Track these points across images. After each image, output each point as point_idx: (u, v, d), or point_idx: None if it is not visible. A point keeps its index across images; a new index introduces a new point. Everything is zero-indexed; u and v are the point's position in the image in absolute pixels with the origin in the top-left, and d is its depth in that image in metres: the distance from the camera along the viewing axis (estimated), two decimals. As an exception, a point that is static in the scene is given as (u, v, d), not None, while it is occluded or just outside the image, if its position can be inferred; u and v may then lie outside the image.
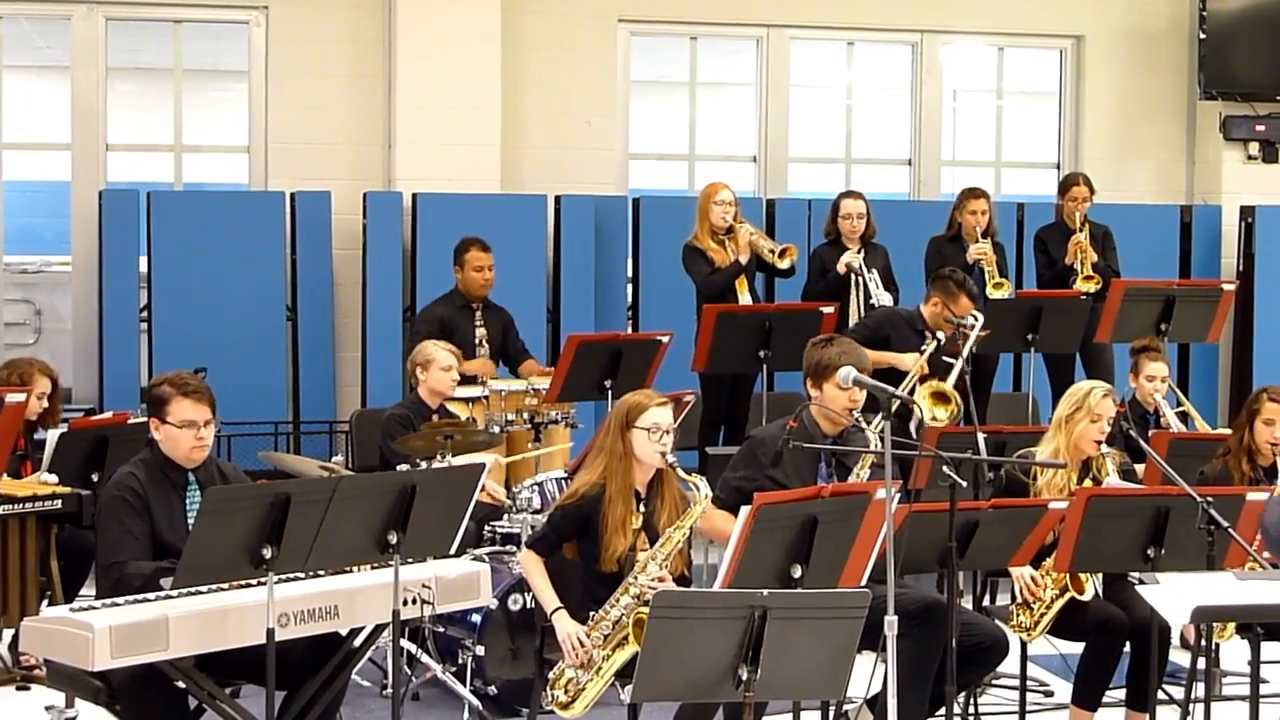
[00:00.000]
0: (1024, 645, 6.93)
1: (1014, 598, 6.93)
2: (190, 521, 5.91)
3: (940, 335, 9.09)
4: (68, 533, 7.72)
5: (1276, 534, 5.43)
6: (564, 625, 6.13)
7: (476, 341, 9.77)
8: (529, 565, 6.35)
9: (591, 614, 6.13)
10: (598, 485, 6.26)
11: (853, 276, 10.19)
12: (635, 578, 6.09)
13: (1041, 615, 6.82)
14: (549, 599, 6.22)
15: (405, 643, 7.19)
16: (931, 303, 9.26)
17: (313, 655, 5.93)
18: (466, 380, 9.40)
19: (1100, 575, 6.89)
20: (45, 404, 8.42)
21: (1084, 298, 10.26)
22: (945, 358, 9.09)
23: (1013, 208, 12.18)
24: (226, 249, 11.28)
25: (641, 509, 6.30)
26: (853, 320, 10.00)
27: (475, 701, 7.31)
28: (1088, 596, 6.76)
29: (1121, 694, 7.01)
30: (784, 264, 10.09)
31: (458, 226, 10.39)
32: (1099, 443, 7.07)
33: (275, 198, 11.49)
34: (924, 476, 7.72)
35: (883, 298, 10.05)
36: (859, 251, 10.27)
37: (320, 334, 11.55)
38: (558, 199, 11.73)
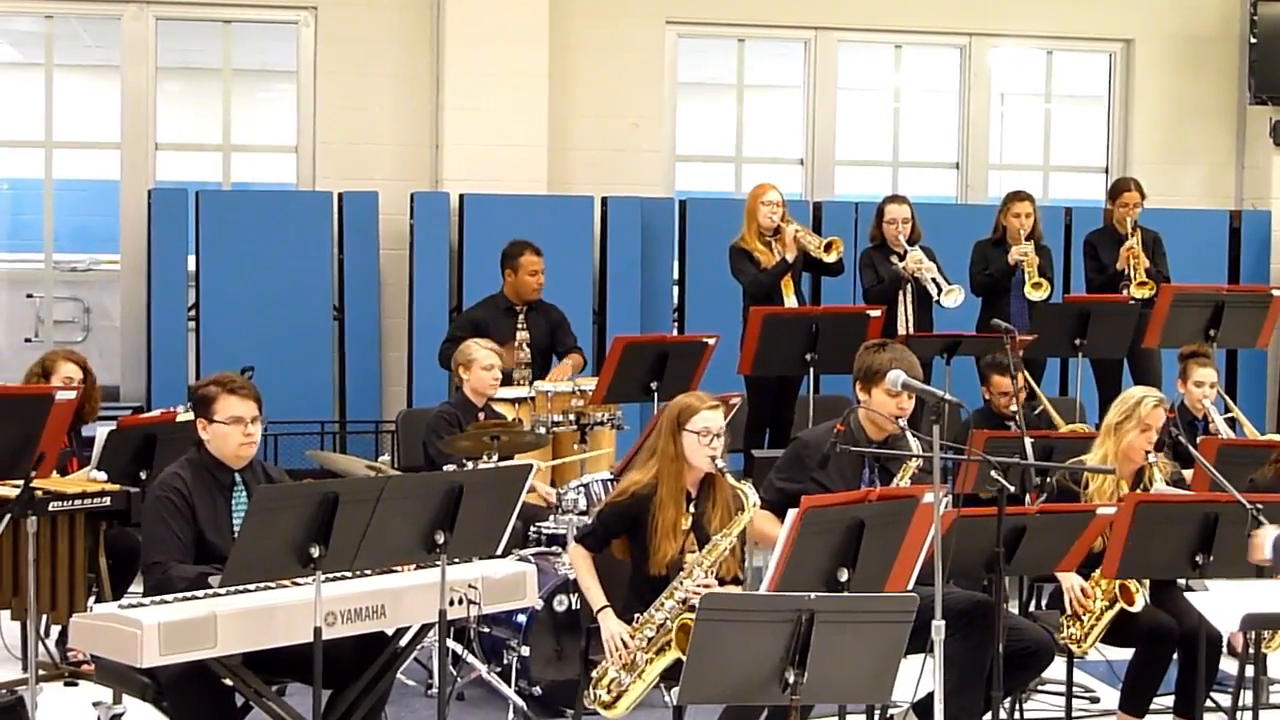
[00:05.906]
0: (1070, 651, 6.90)
1: (1064, 609, 6.89)
2: (235, 524, 5.95)
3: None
4: (116, 530, 7.74)
5: None
6: (609, 625, 6.13)
7: (517, 345, 9.77)
8: (578, 560, 6.35)
9: (637, 616, 6.13)
10: (649, 485, 6.24)
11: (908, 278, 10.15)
12: (681, 582, 6.08)
13: (1091, 627, 6.78)
14: (596, 596, 6.22)
15: (451, 643, 7.18)
16: None
17: (359, 654, 5.95)
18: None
19: (1148, 582, 6.86)
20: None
21: (1132, 302, 10.23)
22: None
23: (1060, 212, 12.13)
24: (274, 248, 11.33)
25: (691, 510, 6.27)
26: (901, 324, 9.99)
27: (520, 702, 7.31)
28: (1138, 608, 6.71)
29: (1168, 700, 6.98)
30: (831, 258, 10.08)
31: (504, 227, 10.40)
32: (1148, 452, 7.02)
33: (323, 197, 11.53)
34: (971, 481, 7.70)
35: (948, 298, 10.00)
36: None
37: (367, 334, 11.59)
38: (604, 200, 11.74)
